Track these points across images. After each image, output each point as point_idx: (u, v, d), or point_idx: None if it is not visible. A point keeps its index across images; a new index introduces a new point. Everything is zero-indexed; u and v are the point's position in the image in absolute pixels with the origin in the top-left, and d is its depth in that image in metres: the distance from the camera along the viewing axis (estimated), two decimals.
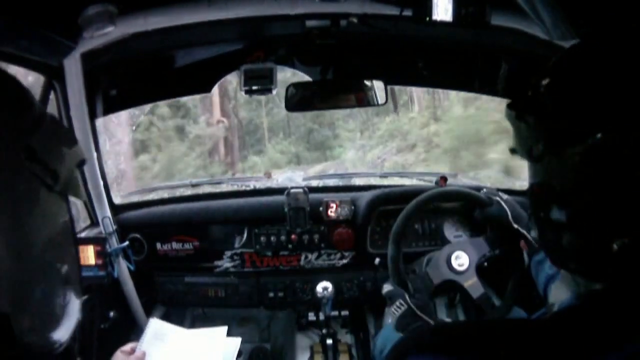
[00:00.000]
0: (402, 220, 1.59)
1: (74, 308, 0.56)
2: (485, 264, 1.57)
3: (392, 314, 1.42)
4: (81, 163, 0.60)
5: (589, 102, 0.58)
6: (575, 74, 0.61)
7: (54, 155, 0.54)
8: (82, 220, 1.91)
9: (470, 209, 1.88)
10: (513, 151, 0.69)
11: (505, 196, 1.58)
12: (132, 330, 2.03)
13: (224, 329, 1.47)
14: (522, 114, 0.65)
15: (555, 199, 0.62)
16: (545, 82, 0.63)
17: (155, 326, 1.47)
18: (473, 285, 1.53)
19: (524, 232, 1.45)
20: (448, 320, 1.93)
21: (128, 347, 1.36)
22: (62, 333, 0.54)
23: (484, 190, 1.65)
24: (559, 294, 0.71)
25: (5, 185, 0.47)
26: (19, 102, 0.53)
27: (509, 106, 0.68)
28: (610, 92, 0.57)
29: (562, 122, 0.60)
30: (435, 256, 1.59)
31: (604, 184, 0.57)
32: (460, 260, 1.54)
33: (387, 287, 1.53)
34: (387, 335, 1.58)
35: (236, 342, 1.46)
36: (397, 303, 1.42)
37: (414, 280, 1.54)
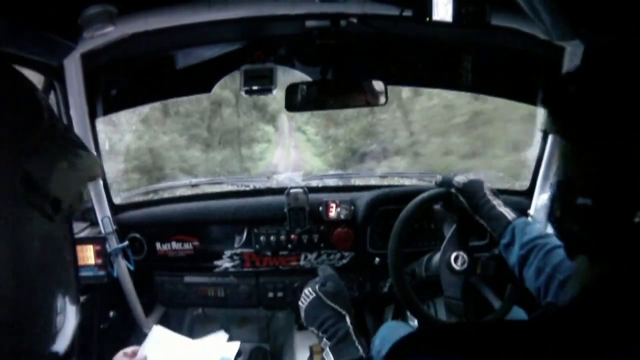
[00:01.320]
0: (401, 223, 1.57)
1: (71, 320, 0.54)
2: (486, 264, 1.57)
3: (301, 305, 1.25)
4: (92, 179, 0.56)
5: (620, 108, 0.59)
6: (599, 81, 0.62)
7: (58, 179, 0.49)
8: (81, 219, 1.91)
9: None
10: (545, 132, 0.71)
11: (459, 178, 1.49)
12: (132, 330, 2.03)
13: (225, 335, 1.48)
14: (554, 114, 0.67)
15: (581, 192, 0.63)
16: (576, 88, 0.65)
17: (158, 332, 1.48)
18: (452, 283, 1.51)
19: (484, 223, 1.39)
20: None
21: (130, 350, 1.36)
22: (61, 338, 0.53)
23: (437, 177, 1.57)
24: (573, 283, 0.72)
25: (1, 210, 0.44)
26: (25, 112, 0.48)
27: (544, 104, 0.71)
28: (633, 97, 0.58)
29: (592, 126, 0.61)
30: (435, 261, 1.58)
31: (629, 181, 0.59)
32: (460, 260, 1.54)
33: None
34: (385, 335, 1.58)
35: (235, 345, 1.47)
36: (304, 293, 1.26)
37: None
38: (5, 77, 0.49)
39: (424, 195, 1.60)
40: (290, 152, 8.12)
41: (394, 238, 1.57)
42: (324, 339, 1.16)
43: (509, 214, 1.36)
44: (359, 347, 1.12)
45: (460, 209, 1.48)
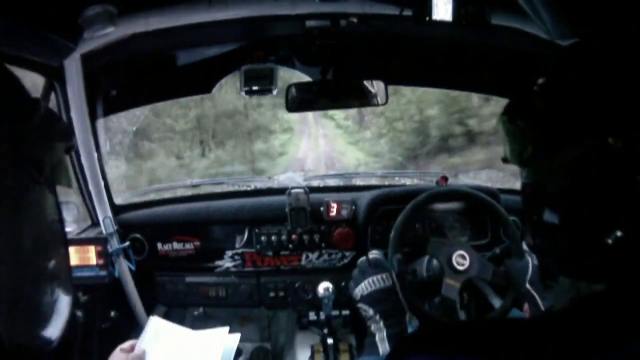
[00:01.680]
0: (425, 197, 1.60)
1: (64, 305, 0.54)
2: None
3: (370, 284, 1.30)
4: (69, 149, 0.58)
5: (582, 106, 0.58)
6: (568, 78, 0.61)
7: (40, 143, 0.51)
8: (82, 220, 1.91)
9: (473, 210, 1.88)
10: (505, 160, 0.69)
11: (534, 259, 1.50)
12: (133, 330, 2.03)
13: (225, 329, 1.47)
14: (516, 118, 0.66)
15: (547, 202, 0.62)
16: (538, 85, 0.63)
17: (156, 324, 1.47)
18: (452, 287, 1.49)
19: (535, 294, 1.39)
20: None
21: (127, 344, 1.35)
22: (52, 331, 0.52)
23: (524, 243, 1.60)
24: (559, 300, 0.71)
25: None
26: (7, 92, 0.51)
27: (504, 112, 0.69)
28: (603, 96, 0.57)
29: (554, 126, 0.60)
30: (446, 239, 1.57)
31: (596, 185, 0.57)
32: (462, 261, 1.53)
33: (375, 254, 1.40)
34: None
35: (235, 338, 1.46)
36: (380, 276, 1.31)
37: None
38: None
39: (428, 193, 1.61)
40: (319, 143, 6.48)
41: (395, 236, 1.57)
42: (380, 324, 1.22)
43: None
44: None
45: (515, 270, 1.48)
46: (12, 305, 0.47)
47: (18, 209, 0.49)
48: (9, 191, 0.47)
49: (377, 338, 1.22)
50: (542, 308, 1.36)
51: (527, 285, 1.41)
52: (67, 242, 0.59)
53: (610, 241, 0.56)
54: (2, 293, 0.46)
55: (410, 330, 1.30)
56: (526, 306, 1.41)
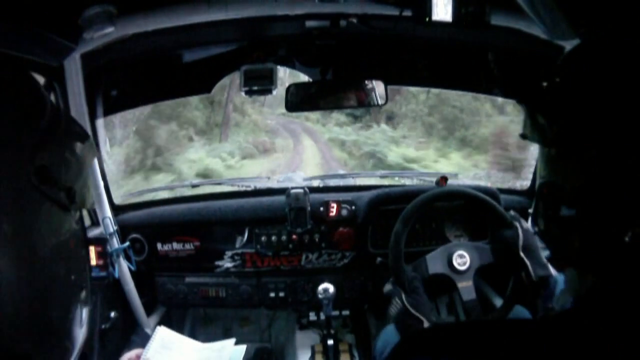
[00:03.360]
0: (415, 205, 1.60)
1: (82, 327, 0.54)
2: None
3: (390, 311, 1.48)
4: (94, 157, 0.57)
5: (600, 102, 0.58)
6: (586, 73, 0.61)
7: (68, 168, 0.49)
8: None
9: (472, 210, 1.88)
10: (524, 136, 0.69)
11: (525, 224, 1.54)
12: (133, 331, 2.03)
13: (232, 341, 1.48)
14: (535, 112, 0.65)
15: (565, 198, 0.61)
16: (556, 81, 0.63)
17: (163, 335, 1.47)
18: (467, 288, 1.53)
19: (528, 263, 1.44)
20: (448, 320, 1.94)
21: (133, 353, 1.35)
22: (72, 348, 0.52)
23: (511, 212, 1.62)
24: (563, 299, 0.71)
25: (14, 207, 0.44)
26: (26, 105, 0.48)
27: (521, 101, 0.69)
28: (621, 92, 0.57)
29: (573, 123, 0.60)
30: (439, 249, 1.59)
31: (615, 183, 0.57)
32: (462, 260, 1.54)
33: (387, 287, 1.55)
34: (387, 337, 1.58)
35: (241, 350, 1.46)
36: (394, 301, 1.48)
37: (410, 274, 1.55)
38: (4, 71, 0.49)
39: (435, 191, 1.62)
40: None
41: (395, 236, 1.57)
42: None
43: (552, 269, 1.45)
44: None
45: (509, 239, 1.52)
46: (35, 327, 0.46)
47: (44, 235, 0.47)
48: (34, 217, 0.46)
49: None
50: (534, 277, 1.40)
51: (521, 253, 1.46)
52: (90, 265, 0.59)
53: (627, 239, 0.56)
54: (24, 313, 0.45)
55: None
56: (523, 274, 1.47)
